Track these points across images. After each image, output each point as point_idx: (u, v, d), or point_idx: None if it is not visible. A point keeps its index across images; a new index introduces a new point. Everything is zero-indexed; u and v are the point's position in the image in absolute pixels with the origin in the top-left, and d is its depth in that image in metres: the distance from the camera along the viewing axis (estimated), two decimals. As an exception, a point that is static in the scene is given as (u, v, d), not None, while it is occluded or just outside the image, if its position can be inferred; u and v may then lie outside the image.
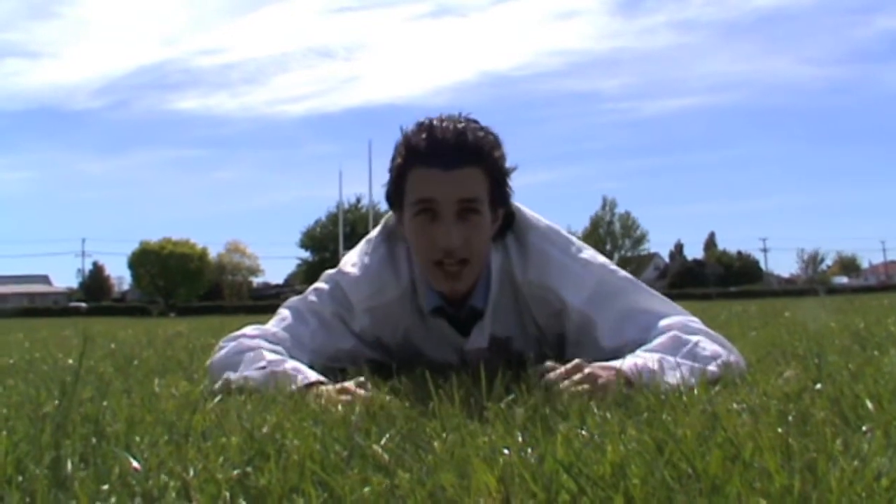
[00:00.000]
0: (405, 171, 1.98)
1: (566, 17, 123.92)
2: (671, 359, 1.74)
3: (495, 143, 2.00)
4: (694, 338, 1.86)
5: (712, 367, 1.78)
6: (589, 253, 2.15)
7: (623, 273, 2.14)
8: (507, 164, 2.03)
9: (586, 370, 1.63)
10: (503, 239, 2.11)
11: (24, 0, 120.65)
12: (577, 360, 1.65)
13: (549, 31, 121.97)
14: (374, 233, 2.23)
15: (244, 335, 2.06)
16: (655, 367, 1.70)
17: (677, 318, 1.97)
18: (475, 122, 2.00)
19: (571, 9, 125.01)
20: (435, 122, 1.97)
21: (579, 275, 2.06)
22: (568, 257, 2.09)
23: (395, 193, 2.04)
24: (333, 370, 1.95)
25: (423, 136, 1.95)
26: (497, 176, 2.00)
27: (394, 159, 2.01)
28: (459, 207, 1.94)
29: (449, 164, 1.92)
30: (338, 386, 1.70)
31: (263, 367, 1.87)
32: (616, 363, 1.69)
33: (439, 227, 1.94)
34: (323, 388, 1.71)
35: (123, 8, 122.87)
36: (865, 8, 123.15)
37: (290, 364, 1.87)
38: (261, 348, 1.97)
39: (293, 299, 2.25)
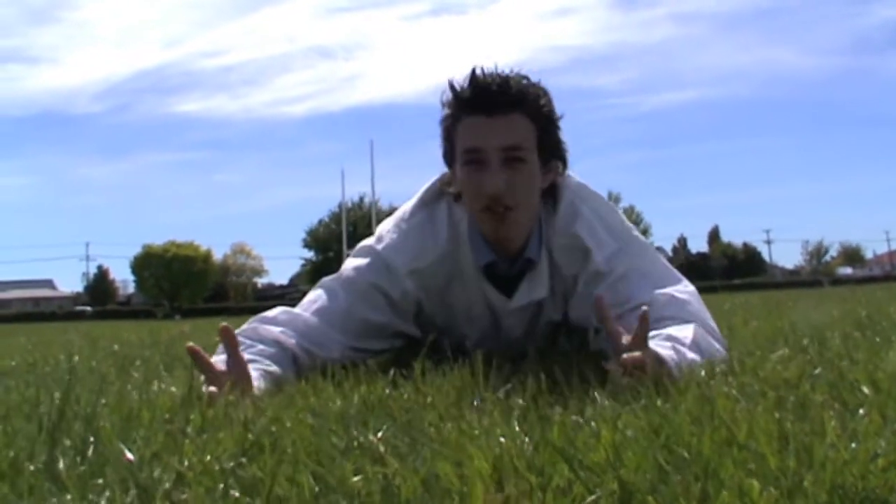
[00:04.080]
0: (454, 122, 2.03)
1: (565, 12, 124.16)
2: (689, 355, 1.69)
3: (541, 92, 2.03)
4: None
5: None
6: (616, 217, 2.18)
7: (643, 239, 2.19)
8: (555, 114, 2.06)
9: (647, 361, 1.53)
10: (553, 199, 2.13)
11: (23, 5, 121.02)
12: (636, 355, 1.52)
13: (548, 27, 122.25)
14: (409, 203, 2.24)
15: (265, 319, 2.02)
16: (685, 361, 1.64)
17: (670, 292, 1.94)
18: (522, 74, 2.02)
19: (570, 4, 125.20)
20: (478, 71, 1.99)
21: (603, 234, 2.08)
22: (596, 217, 2.12)
23: (448, 148, 2.08)
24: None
25: (468, 84, 1.99)
26: (544, 124, 2.03)
27: (443, 113, 2.06)
28: (505, 156, 1.97)
29: (492, 109, 1.96)
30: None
31: None
32: (666, 357, 1.60)
33: (484, 173, 1.97)
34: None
35: (123, 12, 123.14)
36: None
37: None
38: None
39: (328, 278, 2.21)
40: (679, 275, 2.10)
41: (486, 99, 1.97)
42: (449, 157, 2.11)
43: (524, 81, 2.00)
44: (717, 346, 1.88)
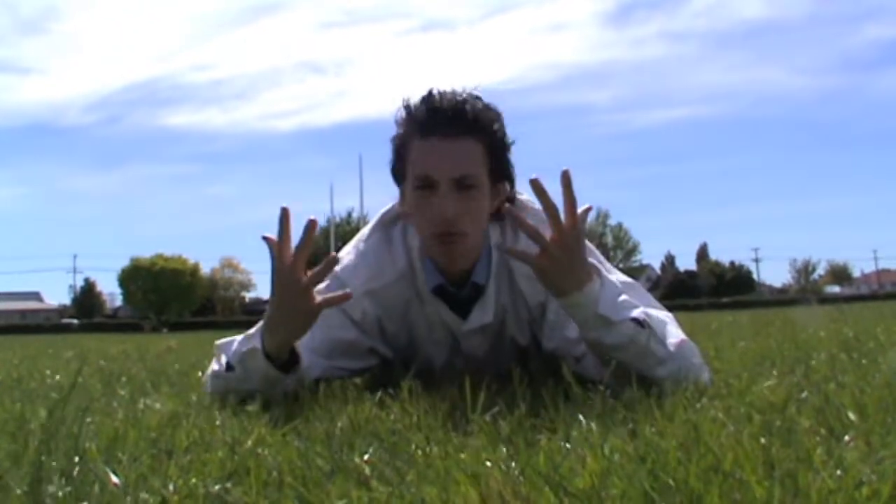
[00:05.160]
0: (406, 142, 2.01)
1: (556, 29, 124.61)
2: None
3: (495, 117, 2.02)
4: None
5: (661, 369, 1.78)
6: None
7: (609, 266, 2.13)
8: (507, 139, 2.05)
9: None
10: (501, 219, 2.13)
11: (13, 16, 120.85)
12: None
13: (539, 44, 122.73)
14: (368, 225, 2.26)
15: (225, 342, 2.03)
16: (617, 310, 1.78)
17: (647, 311, 1.91)
18: (477, 96, 2.01)
19: (561, 21, 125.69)
20: (434, 92, 1.99)
21: None
22: None
23: (398, 166, 2.07)
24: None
25: (423, 105, 1.99)
26: (496, 149, 2.02)
27: (396, 131, 2.05)
28: (457, 184, 1.96)
29: (447, 133, 1.96)
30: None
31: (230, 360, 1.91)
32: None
33: (437, 199, 1.96)
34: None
35: (114, 24, 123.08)
36: (855, 17, 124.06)
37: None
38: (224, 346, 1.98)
39: None
40: (654, 300, 2.08)
41: (441, 122, 1.96)
42: (398, 174, 2.09)
43: (479, 105, 2.00)
44: (682, 352, 1.85)
